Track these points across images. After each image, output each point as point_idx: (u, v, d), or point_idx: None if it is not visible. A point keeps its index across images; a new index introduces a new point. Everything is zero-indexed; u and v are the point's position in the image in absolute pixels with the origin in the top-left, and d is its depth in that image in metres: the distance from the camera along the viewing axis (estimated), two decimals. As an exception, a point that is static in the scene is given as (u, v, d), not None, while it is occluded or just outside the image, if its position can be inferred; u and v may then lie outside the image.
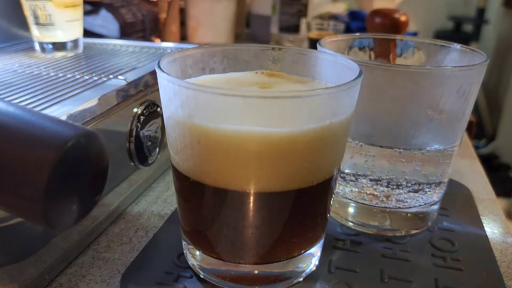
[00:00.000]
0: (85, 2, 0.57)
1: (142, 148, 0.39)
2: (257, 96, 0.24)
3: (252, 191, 0.26)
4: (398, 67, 0.32)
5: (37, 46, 0.50)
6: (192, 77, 0.32)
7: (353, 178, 0.36)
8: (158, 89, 0.28)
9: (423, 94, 0.32)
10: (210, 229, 0.29)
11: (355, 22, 1.16)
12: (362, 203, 0.36)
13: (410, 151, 0.33)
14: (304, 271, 0.31)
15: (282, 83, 0.32)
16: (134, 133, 0.38)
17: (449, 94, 0.32)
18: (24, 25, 0.51)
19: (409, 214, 0.36)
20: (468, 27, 2.96)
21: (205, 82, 0.32)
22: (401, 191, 0.35)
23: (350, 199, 0.37)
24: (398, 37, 0.41)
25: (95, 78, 0.41)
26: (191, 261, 0.31)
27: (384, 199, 0.35)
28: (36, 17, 0.48)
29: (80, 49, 0.52)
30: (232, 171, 0.26)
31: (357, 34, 0.41)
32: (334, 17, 1.22)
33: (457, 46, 0.38)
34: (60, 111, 0.33)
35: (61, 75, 0.42)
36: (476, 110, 2.44)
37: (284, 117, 0.24)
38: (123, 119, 0.37)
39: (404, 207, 0.36)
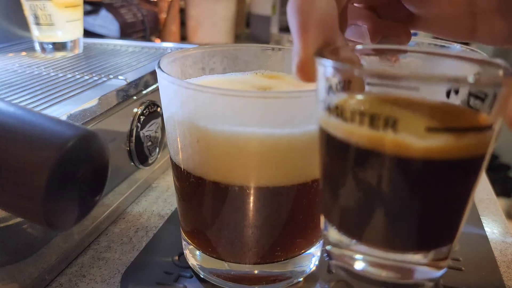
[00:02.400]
0: (85, 2, 0.57)
1: (142, 148, 0.39)
2: (257, 96, 0.24)
3: (251, 189, 0.26)
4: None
5: (37, 46, 0.50)
6: (192, 78, 0.32)
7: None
8: (158, 89, 0.28)
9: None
10: (210, 229, 0.29)
11: (355, 22, 1.15)
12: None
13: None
14: (304, 271, 0.31)
15: (282, 84, 0.32)
16: (134, 133, 0.38)
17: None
18: (24, 25, 0.51)
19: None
20: (468, 27, 2.96)
21: (205, 83, 0.32)
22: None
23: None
24: (398, 37, 0.41)
25: (95, 78, 0.41)
26: (191, 261, 0.31)
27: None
28: (36, 17, 0.48)
29: (80, 49, 0.52)
30: (232, 171, 0.26)
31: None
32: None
33: (457, 46, 0.38)
34: (60, 111, 0.33)
35: (61, 75, 0.42)
36: (476, 110, 2.43)
37: (284, 117, 0.24)
38: (123, 119, 0.37)
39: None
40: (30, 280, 0.28)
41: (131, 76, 0.42)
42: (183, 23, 0.90)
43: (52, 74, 0.42)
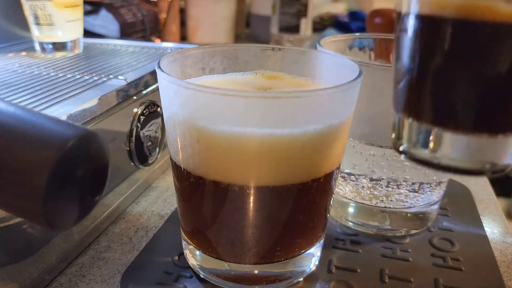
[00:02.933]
0: (85, 2, 0.57)
1: (142, 148, 0.39)
2: (257, 96, 0.24)
3: (251, 189, 0.26)
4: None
5: (37, 46, 0.50)
6: (192, 78, 0.32)
7: (353, 178, 0.36)
8: (158, 89, 0.28)
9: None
10: (210, 228, 0.29)
11: (355, 22, 1.16)
12: (362, 203, 0.36)
13: (410, 151, 0.33)
14: (304, 271, 0.31)
15: (282, 84, 0.32)
16: (134, 133, 0.38)
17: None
18: (24, 25, 0.51)
19: (409, 214, 0.36)
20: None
21: (205, 83, 0.32)
22: (401, 191, 0.35)
23: (350, 199, 0.37)
24: (398, 37, 0.41)
25: (95, 78, 0.41)
26: (191, 261, 0.31)
27: (384, 199, 0.35)
28: (36, 17, 0.48)
29: (80, 49, 0.52)
30: (232, 170, 0.26)
31: (357, 34, 0.41)
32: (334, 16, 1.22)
33: None
34: (60, 111, 0.33)
35: (61, 75, 0.42)
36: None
37: (284, 117, 0.24)
38: (123, 119, 0.37)
39: (404, 207, 0.36)
40: (30, 280, 0.28)
41: (131, 76, 0.42)
42: (183, 23, 0.90)
43: (52, 74, 0.42)
